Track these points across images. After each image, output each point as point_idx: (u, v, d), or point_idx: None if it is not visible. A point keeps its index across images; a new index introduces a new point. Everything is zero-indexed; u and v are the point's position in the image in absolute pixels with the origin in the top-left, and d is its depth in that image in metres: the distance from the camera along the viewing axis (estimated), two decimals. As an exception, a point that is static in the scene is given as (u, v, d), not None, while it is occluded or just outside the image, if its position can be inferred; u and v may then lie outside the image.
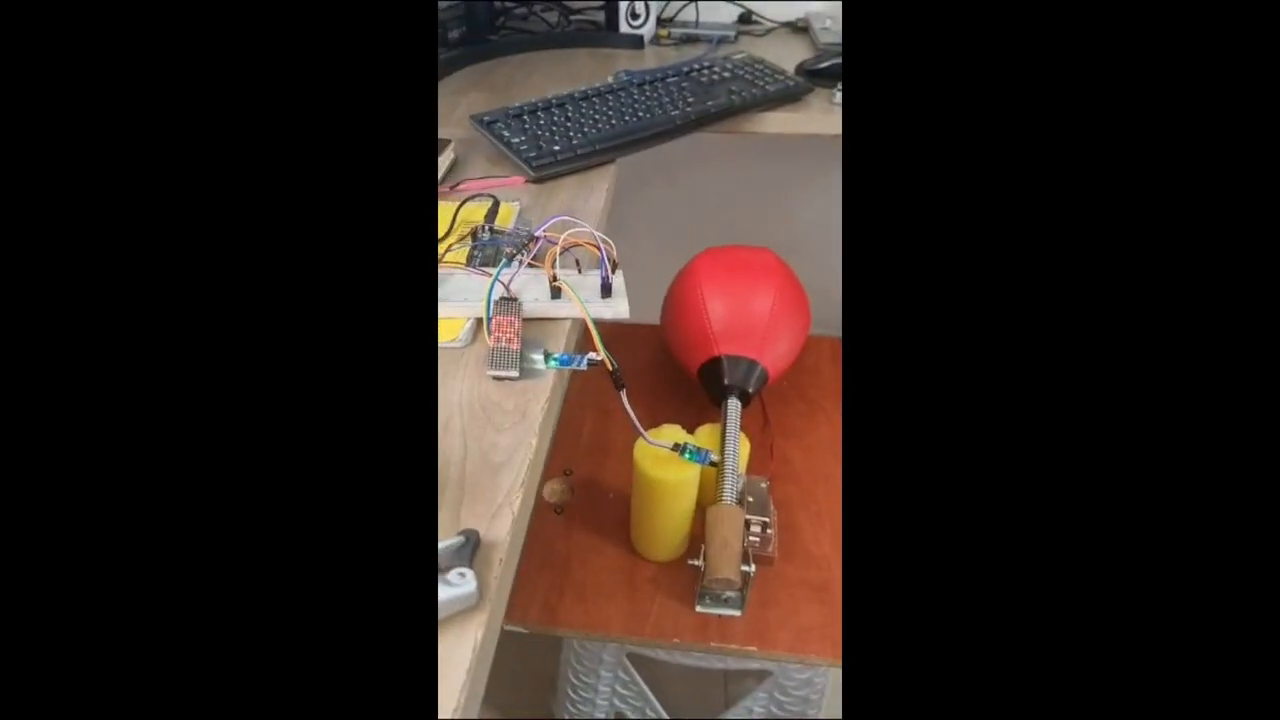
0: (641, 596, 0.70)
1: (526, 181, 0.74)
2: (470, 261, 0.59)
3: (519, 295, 0.54)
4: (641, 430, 0.60)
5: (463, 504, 0.41)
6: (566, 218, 0.56)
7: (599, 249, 0.54)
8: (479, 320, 0.52)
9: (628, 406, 0.53)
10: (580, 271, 0.58)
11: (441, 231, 0.62)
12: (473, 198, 0.66)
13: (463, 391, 0.49)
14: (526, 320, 0.54)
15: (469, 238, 0.60)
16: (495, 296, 0.51)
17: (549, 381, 0.49)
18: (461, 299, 0.55)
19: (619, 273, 0.57)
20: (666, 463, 0.68)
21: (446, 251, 0.57)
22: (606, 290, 0.55)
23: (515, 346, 0.49)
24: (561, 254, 0.54)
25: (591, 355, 0.50)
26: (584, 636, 0.69)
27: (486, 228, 0.62)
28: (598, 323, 0.51)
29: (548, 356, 0.50)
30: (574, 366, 0.50)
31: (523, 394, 0.48)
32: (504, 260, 0.54)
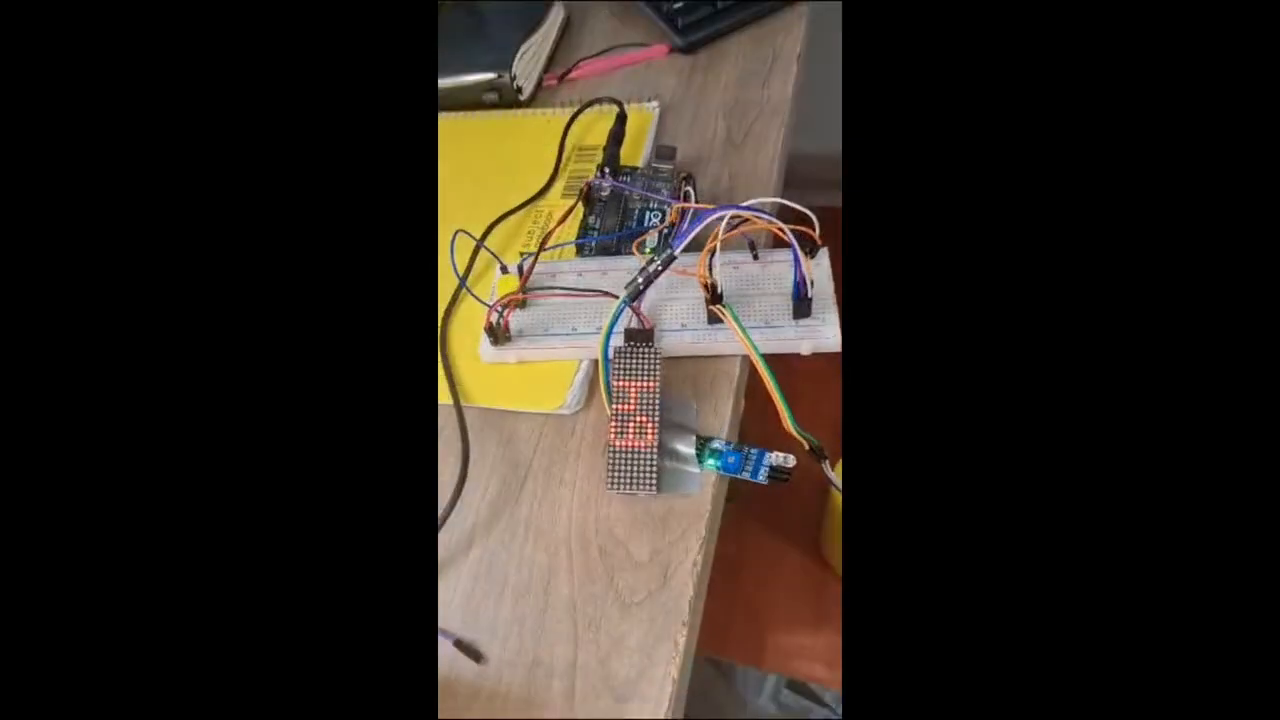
0: (830, 624, 0.55)
1: (671, 52, 0.48)
2: (582, 250, 0.38)
3: (656, 319, 0.34)
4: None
5: (569, 765, 0.26)
6: (729, 210, 0.32)
7: (784, 234, 0.31)
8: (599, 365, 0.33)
9: (830, 474, 0.33)
10: (757, 258, 0.35)
11: (542, 180, 0.41)
12: (591, 104, 0.43)
13: (572, 509, 0.31)
14: (669, 360, 0.34)
15: (579, 197, 0.39)
16: (614, 342, 0.31)
17: (706, 500, 0.31)
18: (567, 329, 0.35)
19: (822, 260, 0.34)
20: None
21: (555, 230, 0.37)
22: (802, 304, 0.33)
23: (649, 439, 0.30)
24: (721, 242, 0.32)
25: (776, 459, 0.30)
26: (759, 671, 0.57)
27: (605, 174, 0.39)
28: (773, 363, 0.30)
29: (705, 448, 0.31)
30: (747, 476, 0.30)
31: (665, 526, 0.29)
32: (647, 267, 0.30)
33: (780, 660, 0.54)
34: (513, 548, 0.30)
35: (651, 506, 0.30)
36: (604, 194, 0.39)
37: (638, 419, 0.30)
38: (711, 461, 0.30)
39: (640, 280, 0.29)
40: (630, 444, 0.30)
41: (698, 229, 0.29)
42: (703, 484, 0.30)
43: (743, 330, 0.31)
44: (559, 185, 0.42)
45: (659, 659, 0.27)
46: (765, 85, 0.45)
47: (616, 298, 0.32)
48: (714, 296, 0.32)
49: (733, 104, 0.45)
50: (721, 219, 0.29)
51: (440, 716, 0.27)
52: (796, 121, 0.45)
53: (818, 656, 0.54)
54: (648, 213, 0.38)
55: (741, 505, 0.62)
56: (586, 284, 0.35)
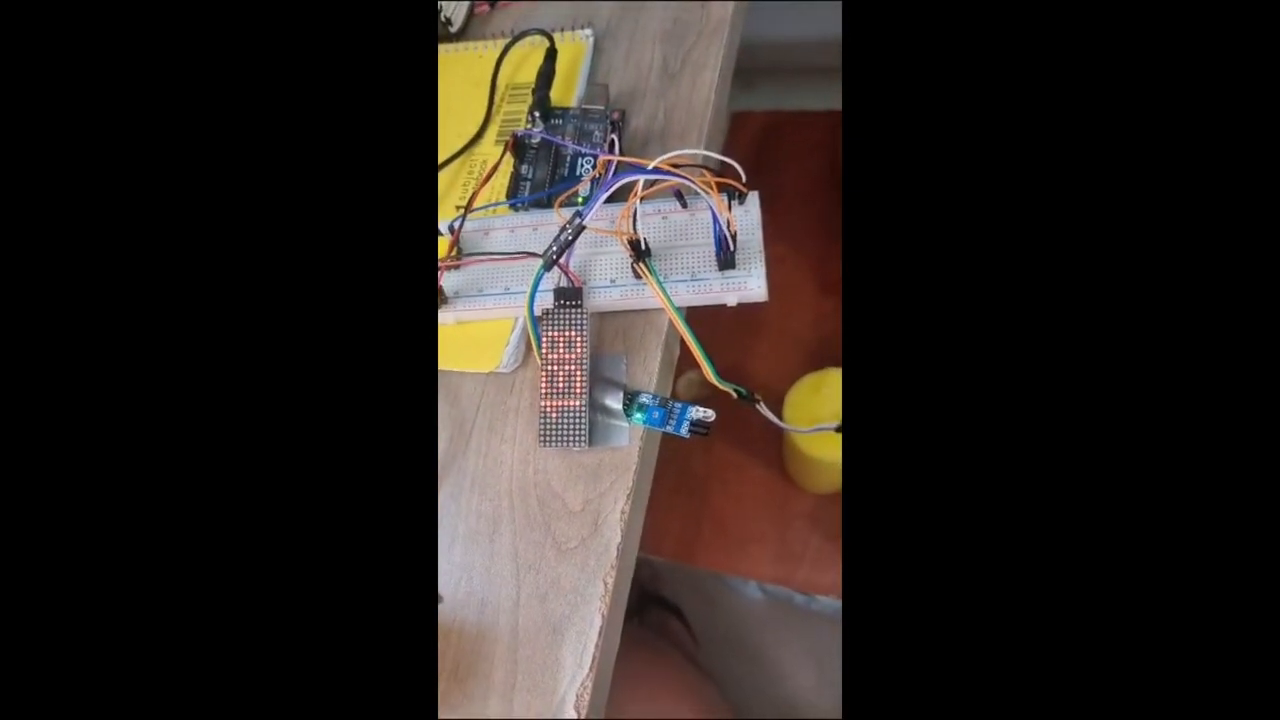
0: (794, 537, 0.59)
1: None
2: (514, 199, 0.38)
3: (586, 275, 0.34)
4: (791, 428, 0.41)
5: (515, 690, 0.29)
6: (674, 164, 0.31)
7: (707, 189, 0.31)
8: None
9: (769, 414, 0.35)
10: (685, 206, 0.35)
11: (475, 126, 0.40)
12: (520, 37, 0.41)
13: (513, 463, 0.33)
14: (601, 316, 0.35)
15: (505, 149, 0.38)
16: (544, 302, 0.32)
17: (634, 453, 0.32)
18: (500, 289, 0.36)
19: (751, 207, 0.34)
20: (828, 443, 0.50)
21: (480, 190, 0.37)
22: (726, 257, 0.33)
23: (578, 396, 0.31)
24: (642, 197, 0.32)
25: (697, 413, 0.31)
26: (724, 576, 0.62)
27: (534, 119, 0.38)
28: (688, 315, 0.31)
29: (633, 403, 0.32)
30: (670, 430, 0.31)
31: (596, 477, 0.32)
32: (560, 235, 0.31)
33: (749, 565, 0.58)
34: (460, 500, 0.33)
35: (584, 459, 0.32)
36: (534, 142, 0.38)
37: (567, 376, 0.32)
38: (638, 416, 0.32)
39: (554, 249, 0.30)
40: (560, 402, 0.31)
41: (609, 190, 0.29)
42: (631, 437, 0.32)
43: (661, 287, 0.32)
44: (492, 131, 0.41)
45: (590, 597, 0.30)
46: (704, 2, 0.43)
47: (538, 256, 0.32)
48: (637, 254, 0.32)
49: (670, 27, 0.43)
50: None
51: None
52: (740, 38, 0.44)
53: (781, 559, 0.58)
54: (580, 160, 0.38)
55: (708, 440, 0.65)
56: (518, 242, 0.36)
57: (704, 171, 0.33)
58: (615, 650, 0.31)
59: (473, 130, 0.41)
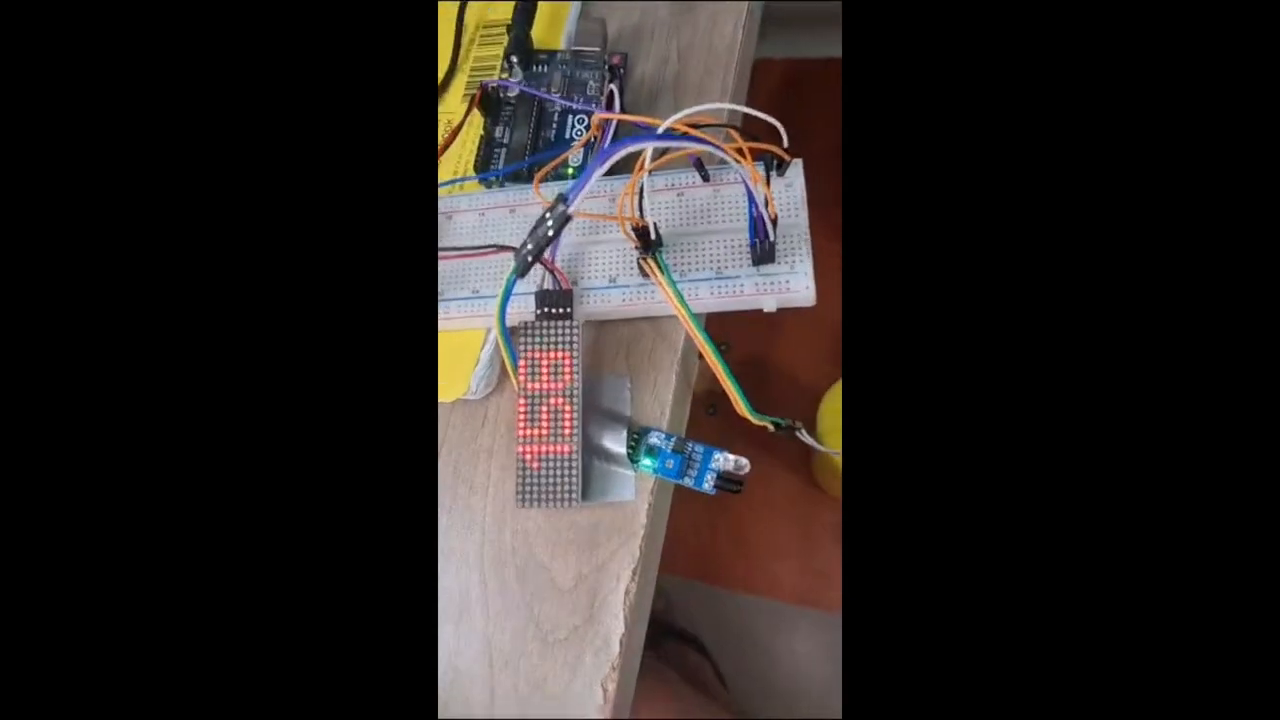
0: (820, 551, 0.52)
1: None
2: (485, 172, 0.29)
3: (578, 272, 0.26)
4: (835, 452, 0.33)
5: (486, 832, 0.22)
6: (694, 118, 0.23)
7: (740, 158, 0.22)
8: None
9: (811, 441, 0.27)
10: (707, 179, 0.27)
11: (438, 73, 0.31)
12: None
13: (485, 522, 0.26)
14: (601, 324, 0.27)
15: (471, 104, 0.29)
16: (513, 313, 0.24)
17: (642, 510, 0.25)
18: (466, 292, 0.28)
19: (794, 179, 0.25)
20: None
21: (443, 152, 0.28)
22: (763, 249, 0.25)
23: (567, 439, 0.23)
24: (651, 169, 0.23)
25: (725, 462, 0.24)
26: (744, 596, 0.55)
27: (511, 66, 0.29)
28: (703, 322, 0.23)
29: (640, 443, 0.24)
30: (690, 484, 0.23)
31: (593, 543, 0.24)
32: (540, 225, 0.22)
33: (771, 584, 0.51)
34: (418, 569, 0.26)
35: (577, 518, 0.25)
36: (510, 95, 0.29)
37: (553, 411, 0.24)
38: (647, 462, 0.24)
39: (531, 244, 0.21)
40: (544, 448, 0.24)
41: (607, 162, 0.21)
42: (638, 488, 0.25)
43: (675, 290, 0.23)
44: (458, 83, 0.32)
45: (584, 706, 0.23)
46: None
47: (514, 250, 0.24)
48: (645, 244, 0.24)
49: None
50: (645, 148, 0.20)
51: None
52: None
53: (807, 576, 0.51)
54: (570, 119, 0.30)
55: (725, 419, 0.57)
56: (489, 229, 0.28)
57: (731, 133, 0.25)
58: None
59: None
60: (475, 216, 0.28)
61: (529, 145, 0.29)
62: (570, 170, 0.28)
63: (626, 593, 0.23)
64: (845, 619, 0.15)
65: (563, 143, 0.29)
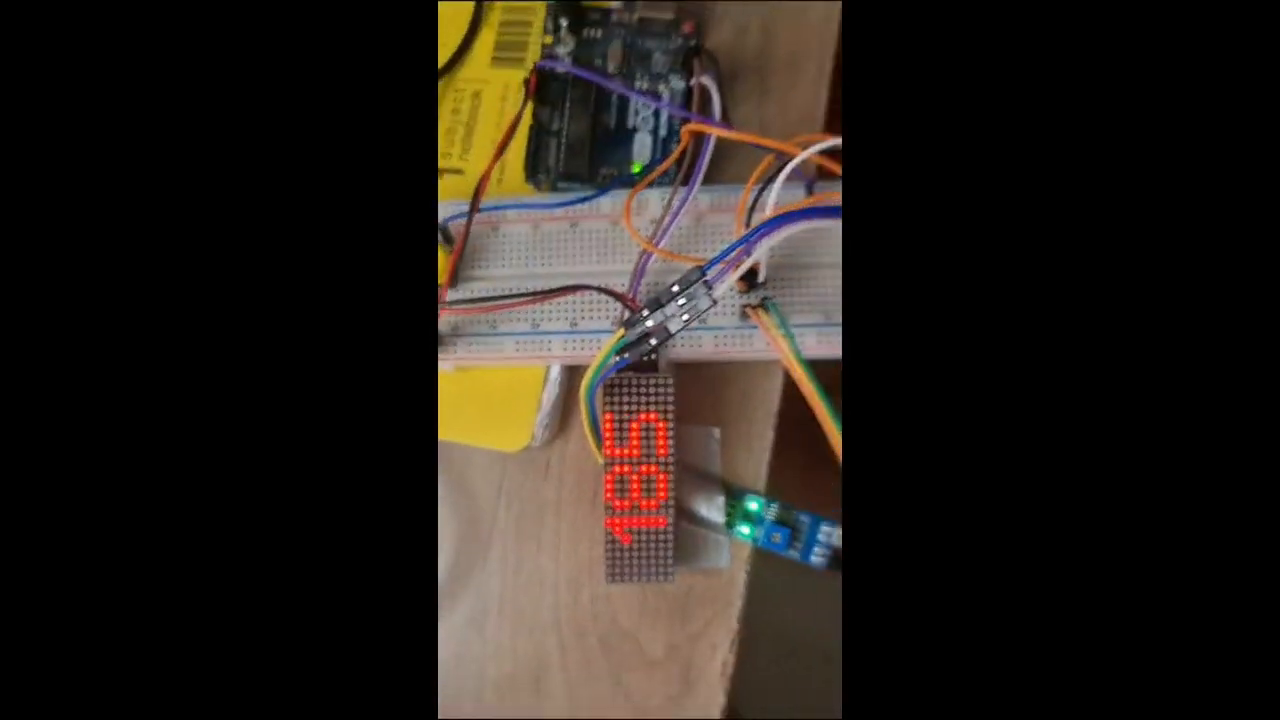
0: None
1: None
2: (535, 173, 0.24)
3: (663, 318, 0.22)
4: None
5: None
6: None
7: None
8: (568, 382, 0.23)
9: None
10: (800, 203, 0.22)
11: (456, 32, 0.25)
12: None
13: (559, 585, 0.23)
14: (678, 365, 0.23)
15: (527, 94, 0.23)
16: (610, 365, 0.20)
17: (738, 579, 0.23)
18: (526, 325, 0.23)
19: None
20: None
21: (498, 156, 0.22)
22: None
23: (662, 511, 0.20)
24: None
25: (838, 534, 0.22)
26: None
27: (558, 34, 0.23)
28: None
29: (736, 509, 0.22)
30: (794, 557, 0.21)
31: (685, 613, 0.22)
32: (673, 302, 0.20)
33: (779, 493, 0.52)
34: (486, 633, 0.23)
35: (665, 588, 0.23)
36: (558, 72, 0.24)
37: (645, 481, 0.21)
38: (745, 529, 0.22)
39: (649, 327, 0.17)
40: (636, 521, 0.21)
41: (760, 246, 0.17)
42: (733, 555, 0.23)
43: (795, 353, 0.20)
44: (484, 40, 0.26)
45: (685, 780, 0.22)
46: None
47: (594, 291, 0.20)
48: (750, 286, 0.21)
49: None
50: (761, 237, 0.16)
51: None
52: None
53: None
54: (636, 106, 0.25)
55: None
56: (546, 244, 0.23)
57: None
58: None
59: (453, 40, 0.26)
60: (528, 230, 0.24)
61: (588, 134, 0.24)
62: (636, 167, 0.24)
63: (724, 665, 0.22)
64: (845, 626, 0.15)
65: (624, 133, 0.25)
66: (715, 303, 0.16)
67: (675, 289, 0.16)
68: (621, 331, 0.18)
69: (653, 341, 0.17)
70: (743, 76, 0.25)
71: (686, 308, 0.16)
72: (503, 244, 0.24)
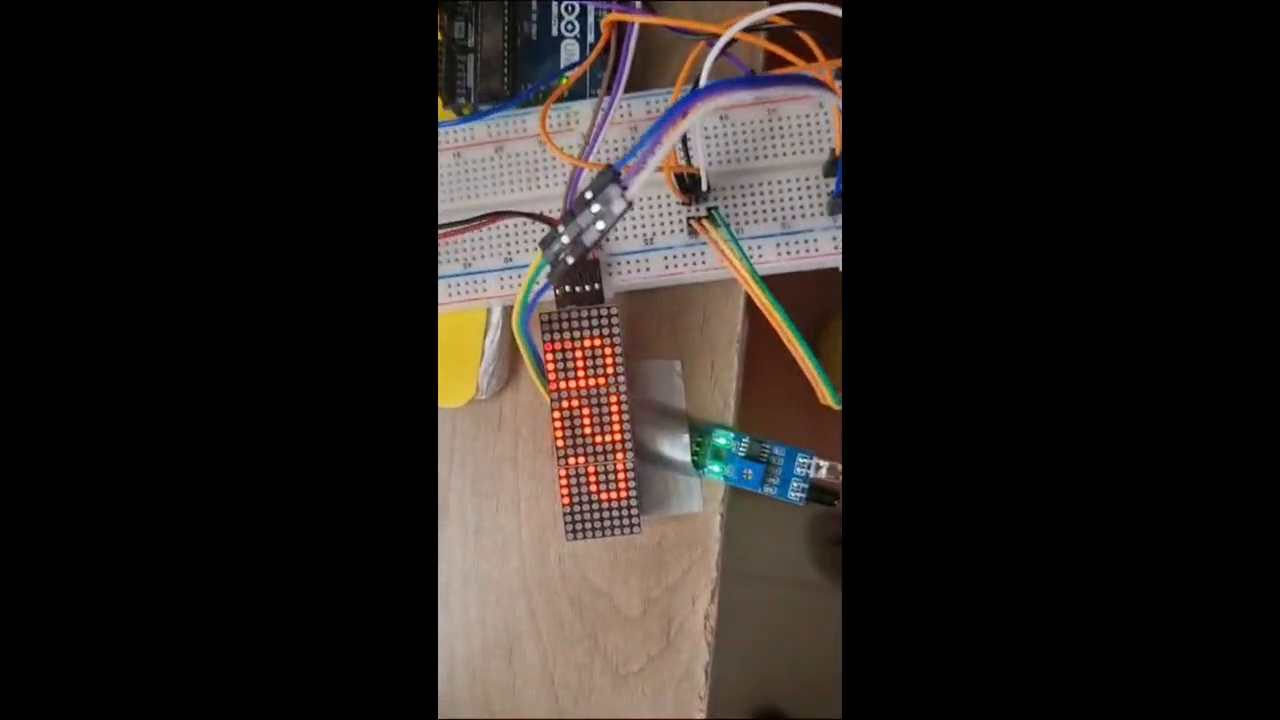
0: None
1: None
2: (454, 96, 0.21)
3: (578, 230, 0.19)
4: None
5: None
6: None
7: (828, 80, 0.16)
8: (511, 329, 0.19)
9: None
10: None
11: None
12: None
13: (523, 546, 0.22)
14: (629, 296, 0.21)
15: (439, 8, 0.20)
16: (537, 295, 0.17)
17: (713, 521, 0.21)
18: (458, 267, 0.21)
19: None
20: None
21: None
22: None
23: (618, 453, 0.19)
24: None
25: (818, 468, 0.19)
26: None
27: None
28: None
29: (705, 446, 0.20)
30: (772, 494, 0.19)
31: (659, 564, 0.20)
32: (587, 213, 0.15)
33: (750, 424, 0.50)
34: (451, 607, 0.22)
35: (636, 539, 0.21)
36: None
37: (597, 418, 0.19)
38: (715, 468, 0.20)
39: (566, 244, 0.15)
40: (589, 466, 0.19)
41: (669, 135, 0.14)
42: (706, 497, 0.21)
43: (747, 265, 0.18)
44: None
45: (674, 741, 0.20)
46: None
47: (518, 217, 0.18)
48: (694, 196, 0.19)
49: None
50: (688, 107, 0.14)
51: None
52: None
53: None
54: (559, 10, 0.22)
55: (791, 394, 0.53)
56: (470, 172, 0.21)
57: (805, 39, 0.18)
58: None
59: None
60: (450, 158, 0.21)
61: (505, 48, 0.22)
62: (562, 79, 0.21)
63: (706, 617, 0.20)
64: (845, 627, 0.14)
65: (548, 39, 0.22)
66: (630, 204, 0.14)
67: (588, 195, 0.14)
68: (539, 254, 0.16)
69: (570, 259, 0.15)
70: (676, -34, 0.22)
71: (600, 214, 0.14)
72: (424, 180, 0.21)
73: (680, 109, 0.13)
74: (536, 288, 0.17)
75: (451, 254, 0.21)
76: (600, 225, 0.14)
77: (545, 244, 0.15)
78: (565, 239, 0.15)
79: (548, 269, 0.16)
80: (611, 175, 0.14)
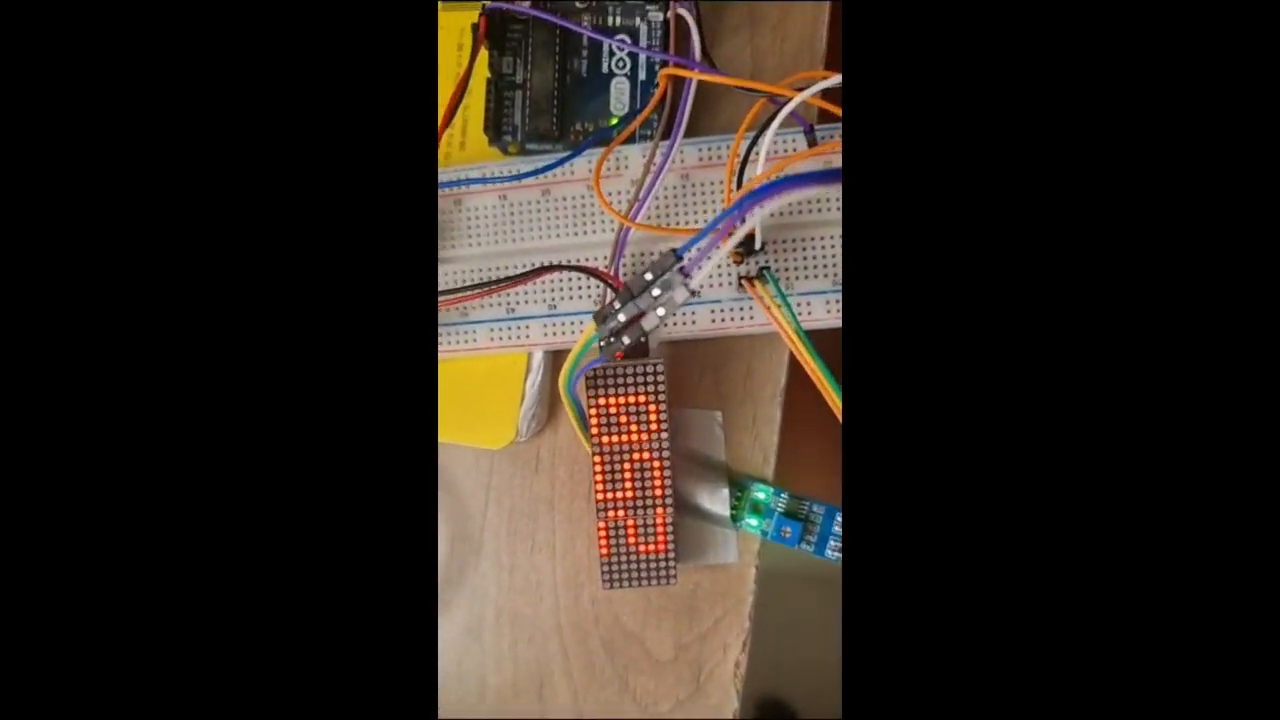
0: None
1: None
2: (500, 134, 0.21)
3: (636, 310, 0.19)
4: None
5: None
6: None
7: None
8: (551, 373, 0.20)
9: None
10: (814, 144, 0.19)
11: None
12: None
13: (557, 586, 0.22)
14: (674, 344, 0.21)
15: (476, 38, 0.20)
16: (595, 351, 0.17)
17: (747, 574, 0.21)
18: (500, 312, 0.21)
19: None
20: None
21: (447, 118, 0.19)
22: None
23: (655, 507, 0.19)
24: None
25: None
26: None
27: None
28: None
29: (743, 501, 0.20)
30: (807, 550, 0.19)
31: (692, 611, 0.20)
32: (647, 295, 0.17)
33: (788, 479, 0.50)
34: (484, 640, 0.22)
35: (669, 586, 0.21)
36: (516, 13, 0.21)
37: (638, 473, 0.19)
38: (753, 522, 0.20)
39: (621, 321, 0.15)
40: (631, 520, 0.19)
41: (739, 225, 0.14)
42: (740, 549, 0.21)
43: (795, 327, 0.18)
44: (434, -21, 0.23)
45: (701, 783, 0.21)
46: None
47: (566, 270, 0.18)
48: (747, 255, 0.18)
49: None
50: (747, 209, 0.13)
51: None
52: None
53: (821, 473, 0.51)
54: (610, 47, 0.21)
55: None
56: (515, 216, 0.21)
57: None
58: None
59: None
60: (494, 199, 0.21)
61: (555, 85, 0.21)
62: (614, 119, 0.21)
63: (736, 665, 0.21)
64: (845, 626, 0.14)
65: (598, 77, 0.21)
66: (694, 293, 0.14)
67: (649, 277, 0.14)
68: (593, 326, 0.15)
69: (626, 340, 0.14)
70: (731, 6, 0.22)
71: (661, 300, 0.14)
72: (468, 219, 0.21)
73: (745, 205, 0.13)
74: (586, 360, 0.17)
75: (495, 299, 0.21)
76: (660, 312, 0.14)
77: (601, 319, 0.15)
78: (622, 317, 0.14)
79: (600, 343, 0.16)
80: (674, 260, 0.13)
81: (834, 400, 0.19)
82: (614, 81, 0.22)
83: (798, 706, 0.62)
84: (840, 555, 0.20)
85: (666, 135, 0.19)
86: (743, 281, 0.19)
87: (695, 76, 0.17)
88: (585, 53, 0.21)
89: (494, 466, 0.22)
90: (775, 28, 0.21)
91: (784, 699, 0.64)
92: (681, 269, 0.13)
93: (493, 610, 0.22)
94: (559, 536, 0.22)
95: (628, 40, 0.21)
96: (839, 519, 0.20)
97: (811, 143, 0.18)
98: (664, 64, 0.19)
